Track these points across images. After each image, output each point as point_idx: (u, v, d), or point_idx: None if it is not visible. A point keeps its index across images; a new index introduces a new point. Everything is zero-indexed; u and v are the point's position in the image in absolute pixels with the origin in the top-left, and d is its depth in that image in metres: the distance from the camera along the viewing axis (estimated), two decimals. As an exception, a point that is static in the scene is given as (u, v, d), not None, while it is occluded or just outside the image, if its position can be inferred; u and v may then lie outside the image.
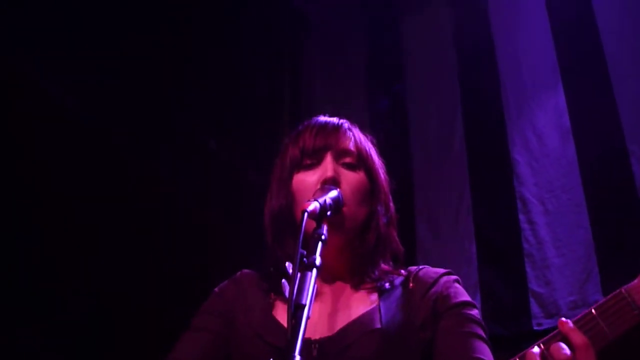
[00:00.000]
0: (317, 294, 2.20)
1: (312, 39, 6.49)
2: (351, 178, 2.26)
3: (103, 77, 4.68)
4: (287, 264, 1.79)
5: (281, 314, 2.18)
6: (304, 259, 1.75)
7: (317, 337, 2.10)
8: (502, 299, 4.71)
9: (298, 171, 2.31)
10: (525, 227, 4.78)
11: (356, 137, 2.36)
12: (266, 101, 6.06)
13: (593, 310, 1.78)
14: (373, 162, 2.35)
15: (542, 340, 1.79)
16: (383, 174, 2.39)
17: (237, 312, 2.26)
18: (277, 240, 2.32)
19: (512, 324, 4.60)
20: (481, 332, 2.11)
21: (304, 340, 2.02)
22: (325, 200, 1.99)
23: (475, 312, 2.17)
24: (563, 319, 1.79)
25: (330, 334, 2.11)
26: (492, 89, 5.33)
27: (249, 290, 2.32)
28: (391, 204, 2.38)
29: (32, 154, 4.43)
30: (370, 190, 2.31)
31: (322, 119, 2.43)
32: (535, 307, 4.53)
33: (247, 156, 5.61)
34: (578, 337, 1.75)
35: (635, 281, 1.79)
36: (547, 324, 4.43)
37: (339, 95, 6.07)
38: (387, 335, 2.09)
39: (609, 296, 1.79)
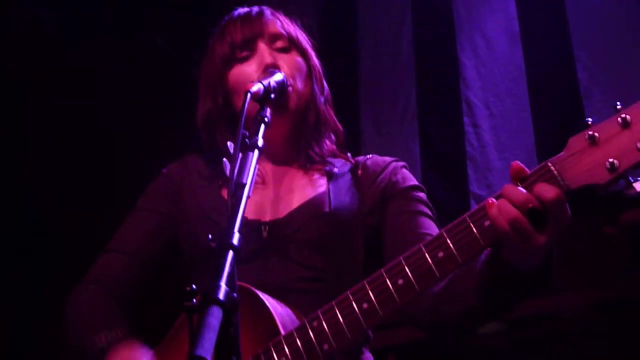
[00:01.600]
0: (266, 178, 2.24)
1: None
2: (289, 60, 2.27)
3: None
4: (228, 143, 1.77)
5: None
6: (246, 140, 1.73)
7: (267, 219, 2.13)
8: (444, 200, 4.73)
9: (232, 66, 2.29)
10: (469, 130, 4.79)
11: (282, 21, 2.38)
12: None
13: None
14: (304, 43, 2.38)
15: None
16: (314, 53, 2.41)
17: (184, 192, 2.27)
18: (213, 138, 2.31)
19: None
20: (428, 211, 2.22)
21: (254, 221, 2.07)
22: (269, 83, 1.97)
23: (422, 195, 2.27)
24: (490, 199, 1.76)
25: (280, 216, 2.13)
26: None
27: (196, 172, 2.33)
28: (325, 83, 2.40)
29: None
30: (307, 70, 2.33)
31: (243, 9, 2.41)
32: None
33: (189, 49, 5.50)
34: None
35: (562, 154, 1.76)
36: (486, 224, 4.50)
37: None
38: (335, 219, 2.14)
39: (534, 169, 1.78)
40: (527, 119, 4.65)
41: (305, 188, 2.23)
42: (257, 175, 2.06)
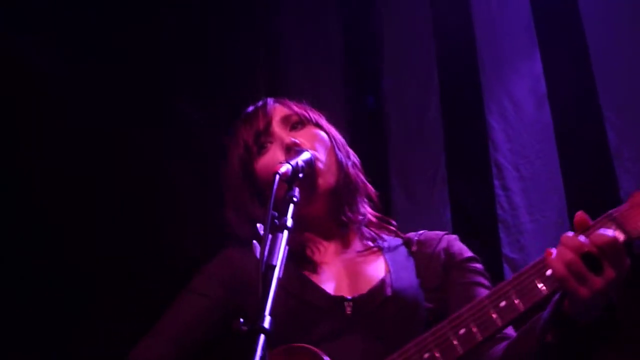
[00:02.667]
0: (326, 256, 2.24)
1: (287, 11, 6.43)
2: (307, 134, 2.30)
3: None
4: (258, 225, 1.80)
5: (306, 270, 2.23)
6: (275, 221, 1.76)
7: (348, 295, 2.13)
8: (476, 264, 4.73)
9: (253, 162, 2.33)
10: (500, 193, 4.78)
11: (286, 102, 2.43)
12: (241, 67, 6.02)
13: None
14: (315, 115, 2.42)
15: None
16: (328, 122, 2.46)
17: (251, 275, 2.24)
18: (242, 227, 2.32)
19: (486, 289, 4.62)
20: (486, 282, 2.30)
21: (338, 297, 2.06)
22: (297, 162, 2.00)
23: (479, 266, 2.34)
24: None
25: (362, 292, 2.13)
26: (468, 55, 5.29)
27: (243, 265, 2.29)
28: (349, 149, 2.43)
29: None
30: (327, 139, 2.37)
31: (249, 108, 2.48)
32: (508, 273, 4.55)
33: (219, 121, 5.58)
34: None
35: (624, 205, 1.83)
36: (519, 289, 4.46)
37: (313, 63, 6.02)
38: (399, 298, 2.18)
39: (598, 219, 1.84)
40: (558, 180, 4.63)
41: (367, 266, 2.25)
42: (316, 254, 2.09)
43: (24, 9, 4.45)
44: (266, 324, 1.45)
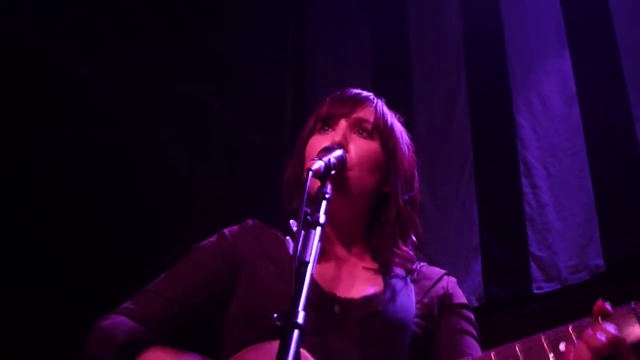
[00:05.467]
0: (330, 254, 2.24)
1: (318, 12, 6.47)
2: (361, 144, 2.25)
3: (107, 39, 4.71)
4: (291, 221, 1.81)
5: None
6: (308, 217, 1.77)
7: (341, 295, 2.14)
8: (503, 262, 4.72)
9: (312, 136, 2.33)
10: (528, 191, 4.78)
11: (378, 109, 2.34)
12: (270, 66, 6.07)
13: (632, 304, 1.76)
14: (393, 136, 2.33)
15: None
16: (407, 151, 2.37)
17: (253, 258, 2.26)
18: (289, 204, 2.33)
19: (512, 287, 4.62)
20: (474, 332, 2.25)
21: (329, 294, 2.08)
22: (329, 159, 2.00)
23: (471, 315, 2.30)
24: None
25: (354, 297, 2.14)
26: (497, 53, 5.30)
27: (265, 239, 2.32)
28: (416, 185, 2.37)
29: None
30: (384, 161, 2.29)
31: (347, 90, 2.41)
32: (535, 271, 4.54)
33: (249, 118, 5.64)
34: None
35: None
36: (547, 287, 4.45)
37: (342, 56, 6.06)
38: (388, 317, 2.14)
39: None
40: (586, 178, 4.61)
41: (366, 280, 2.24)
42: (324, 250, 2.09)
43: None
44: (300, 319, 1.46)
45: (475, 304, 4.66)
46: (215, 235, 2.37)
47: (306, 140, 2.35)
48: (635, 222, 4.28)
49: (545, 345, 1.77)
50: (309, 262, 1.63)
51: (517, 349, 1.80)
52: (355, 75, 5.70)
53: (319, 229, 1.75)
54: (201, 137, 5.25)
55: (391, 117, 2.36)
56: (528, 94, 5.06)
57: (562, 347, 1.76)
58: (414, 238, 2.34)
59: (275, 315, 1.52)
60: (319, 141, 2.27)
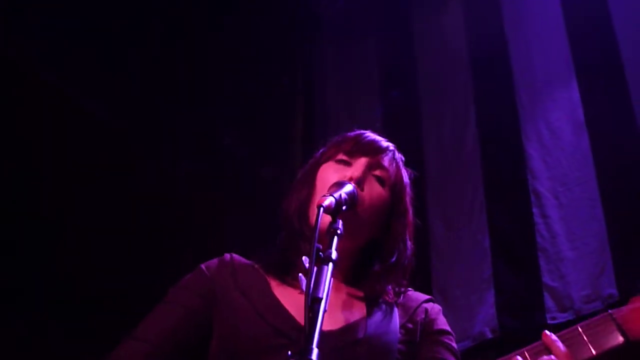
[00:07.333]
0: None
1: (324, 40, 6.54)
2: (376, 187, 2.31)
3: (115, 75, 4.76)
4: (303, 258, 1.82)
5: (284, 298, 2.22)
6: (320, 253, 1.78)
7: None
8: (516, 293, 4.71)
9: (327, 163, 2.37)
10: (539, 221, 4.77)
11: (397, 163, 2.42)
12: (279, 99, 6.12)
13: (579, 327, 1.89)
14: (403, 191, 2.41)
15: (526, 348, 1.91)
16: (411, 210, 2.44)
17: (228, 291, 2.27)
18: (292, 233, 2.35)
19: (526, 317, 4.60)
20: None
21: (302, 327, 2.08)
22: (340, 195, 2.02)
23: (453, 343, 2.32)
24: (546, 331, 1.92)
25: (333, 328, 2.14)
26: (505, 84, 5.33)
27: (241, 272, 2.34)
28: (410, 242, 2.42)
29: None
30: (390, 211, 2.36)
31: (369, 133, 2.47)
32: (549, 301, 4.53)
33: (259, 153, 5.67)
34: (560, 347, 1.87)
35: (624, 307, 1.88)
36: (561, 317, 4.43)
37: (351, 92, 6.11)
38: (370, 344, 2.15)
39: (595, 317, 1.90)
40: (598, 207, 4.60)
41: (346, 307, 2.25)
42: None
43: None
44: (314, 356, 1.47)
45: (490, 335, 4.65)
46: (193, 271, 2.39)
47: (317, 167, 2.38)
48: (648, 250, 4.28)
49: None
50: (322, 299, 1.64)
51: None
52: (365, 116, 5.75)
53: (331, 265, 1.76)
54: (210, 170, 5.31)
55: (404, 173, 2.44)
56: (537, 123, 5.07)
57: None
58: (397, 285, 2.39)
59: (289, 352, 1.54)
60: (334, 171, 2.31)
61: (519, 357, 1.89)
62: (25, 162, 4.69)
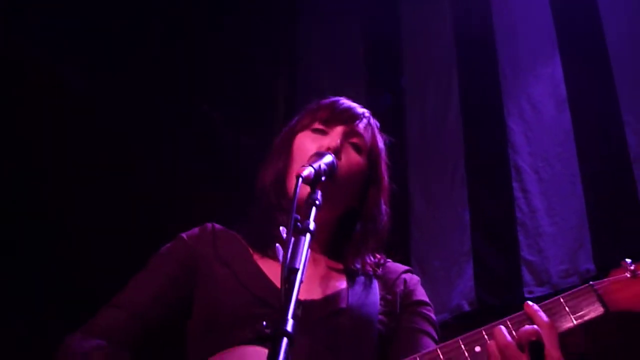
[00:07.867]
0: None
1: (308, 16, 6.49)
2: (353, 156, 2.32)
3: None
4: (281, 228, 1.81)
5: (267, 268, 2.23)
6: (298, 224, 1.77)
7: (301, 297, 2.14)
8: (494, 266, 4.73)
9: (303, 132, 2.36)
10: (519, 196, 4.78)
11: (372, 129, 2.43)
12: (262, 72, 6.10)
13: (561, 298, 1.94)
14: (379, 158, 2.43)
15: (508, 318, 1.94)
16: (387, 176, 2.46)
17: (209, 261, 2.27)
18: (269, 204, 2.34)
19: (503, 291, 4.63)
20: (433, 332, 2.30)
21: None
22: (320, 166, 2.01)
23: (432, 314, 2.35)
24: (528, 302, 1.96)
25: (315, 298, 2.15)
26: (488, 58, 5.31)
27: (223, 242, 2.35)
28: (386, 207, 2.44)
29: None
30: (367, 178, 2.38)
31: (345, 100, 2.47)
32: (527, 275, 4.55)
33: (240, 122, 5.67)
34: (542, 317, 1.90)
35: (605, 280, 1.94)
36: (538, 291, 4.45)
37: (336, 70, 6.06)
38: (351, 314, 2.18)
39: (577, 288, 1.95)
40: (577, 183, 4.61)
41: (328, 279, 2.25)
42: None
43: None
44: (289, 327, 1.46)
45: (467, 308, 4.68)
46: (174, 240, 2.39)
47: (293, 136, 2.37)
48: (626, 226, 4.30)
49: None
50: (298, 269, 1.63)
51: (438, 352, 1.93)
52: (348, 84, 5.71)
53: (308, 235, 1.75)
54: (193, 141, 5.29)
55: (380, 140, 2.46)
56: (519, 98, 5.07)
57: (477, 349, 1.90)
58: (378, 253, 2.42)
59: (264, 322, 1.52)
60: (311, 141, 2.31)
61: (502, 327, 1.91)
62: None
